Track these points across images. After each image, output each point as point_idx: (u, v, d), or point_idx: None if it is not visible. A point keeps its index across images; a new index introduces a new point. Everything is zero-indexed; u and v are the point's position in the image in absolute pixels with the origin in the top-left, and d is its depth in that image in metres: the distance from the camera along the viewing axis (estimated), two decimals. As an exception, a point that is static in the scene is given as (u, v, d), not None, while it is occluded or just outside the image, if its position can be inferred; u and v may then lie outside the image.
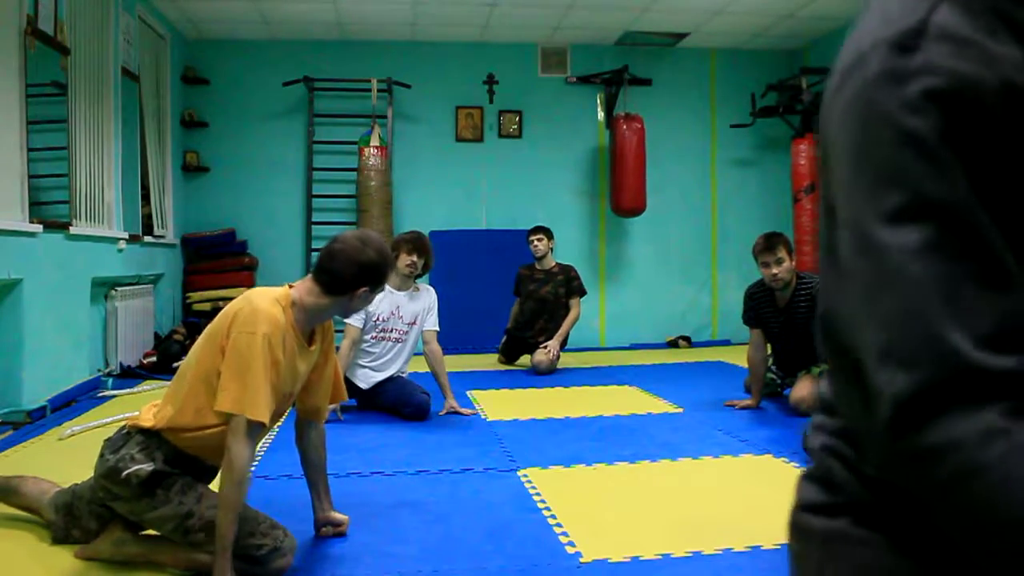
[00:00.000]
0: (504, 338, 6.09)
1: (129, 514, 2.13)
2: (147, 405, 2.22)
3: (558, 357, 5.66)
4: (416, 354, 4.33)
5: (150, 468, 2.07)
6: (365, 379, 4.18)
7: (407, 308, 4.22)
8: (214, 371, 2.02)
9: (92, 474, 2.21)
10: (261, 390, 1.96)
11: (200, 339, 2.13)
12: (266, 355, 1.97)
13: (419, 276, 4.30)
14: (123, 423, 2.24)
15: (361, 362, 4.18)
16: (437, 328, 4.28)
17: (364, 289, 2.17)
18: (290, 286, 2.19)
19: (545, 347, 5.61)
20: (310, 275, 2.19)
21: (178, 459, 2.12)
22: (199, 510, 2.05)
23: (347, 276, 2.14)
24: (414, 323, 4.23)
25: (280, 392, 2.05)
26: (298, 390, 2.23)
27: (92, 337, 5.03)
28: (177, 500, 2.06)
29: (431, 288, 4.40)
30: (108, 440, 2.19)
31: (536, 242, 5.85)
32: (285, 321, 2.05)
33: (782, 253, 4.05)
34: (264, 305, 2.03)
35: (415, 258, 4.18)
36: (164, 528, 2.09)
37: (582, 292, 5.89)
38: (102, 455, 2.15)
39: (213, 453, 2.15)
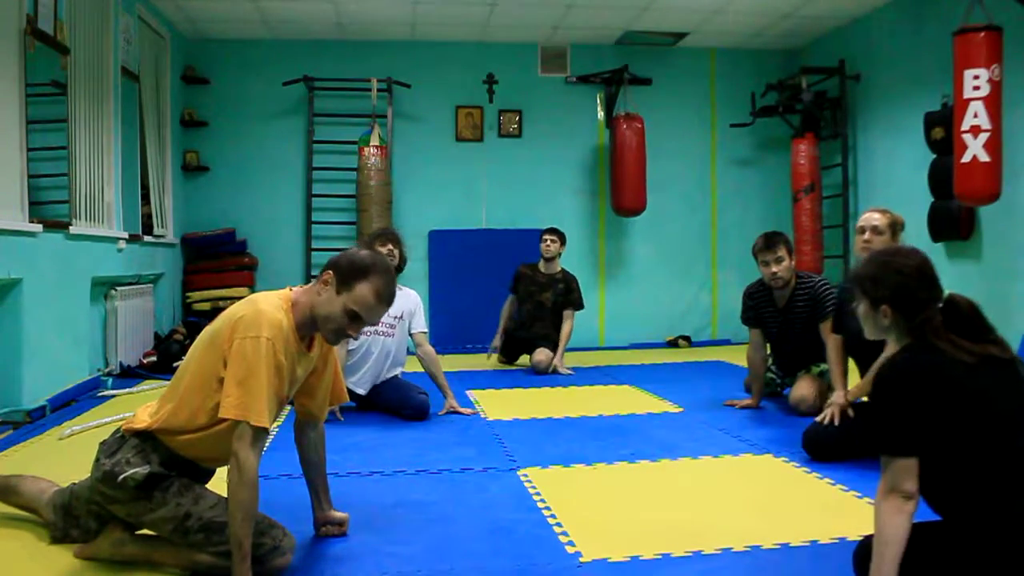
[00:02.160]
0: (503, 338, 6.01)
1: (127, 517, 2.13)
2: (142, 407, 2.22)
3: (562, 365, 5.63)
4: (409, 353, 4.34)
5: (146, 471, 2.06)
6: (362, 384, 4.17)
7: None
8: (215, 376, 2.01)
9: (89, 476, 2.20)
10: (264, 396, 1.95)
11: (200, 341, 2.12)
12: (270, 360, 1.97)
13: (397, 270, 4.23)
14: (118, 426, 2.23)
15: (352, 362, 4.14)
16: (425, 329, 4.29)
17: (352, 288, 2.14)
18: (291, 289, 2.18)
19: (543, 349, 5.61)
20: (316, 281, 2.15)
21: (174, 462, 2.11)
22: (197, 511, 2.05)
23: (340, 262, 2.12)
24: (400, 318, 4.19)
25: (280, 396, 2.05)
26: (293, 393, 2.22)
27: (92, 337, 5.03)
28: (175, 502, 2.06)
29: (412, 290, 4.37)
30: (103, 444, 2.18)
31: (549, 242, 5.77)
32: (287, 326, 2.05)
33: (782, 252, 4.05)
34: (268, 309, 2.03)
35: (391, 247, 4.14)
36: (163, 530, 2.08)
37: (579, 305, 5.81)
38: (97, 459, 2.14)
39: (206, 456, 2.15)
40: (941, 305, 1.78)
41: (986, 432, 1.67)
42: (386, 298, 2.11)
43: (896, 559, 1.64)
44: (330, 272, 2.10)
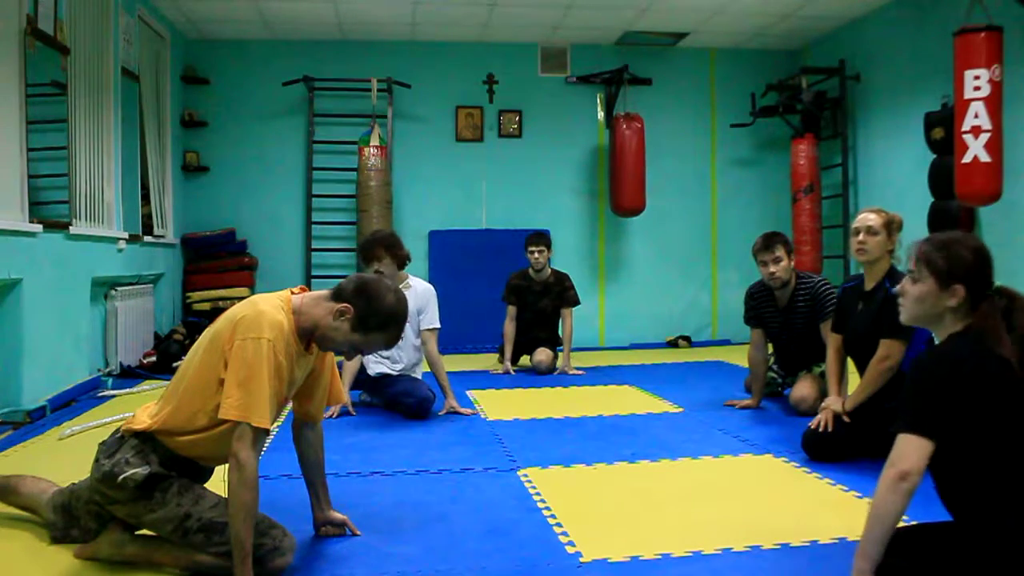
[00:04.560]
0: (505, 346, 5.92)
1: (127, 517, 2.13)
2: (141, 407, 2.22)
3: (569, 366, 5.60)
4: None
5: (146, 471, 2.06)
6: (372, 368, 4.24)
7: None
8: (215, 377, 2.02)
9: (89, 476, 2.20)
10: (265, 397, 1.95)
11: (200, 342, 2.12)
12: (271, 361, 1.97)
13: (400, 267, 4.17)
14: (118, 426, 2.23)
15: (369, 358, 4.23)
16: (436, 326, 4.24)
17: (379, 336, 2.14)
18: (292, 291, 2.18)
19: (543, 349, 5.60)
20: (331, 297, 2.13)
21: (173, 462, 2.11)
22: (197, 511, 2.05)
23: (358, 291, 2.11)
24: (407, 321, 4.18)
25: (280, 396, 2.05)
26: (292, 394, 2.22)
27: (92, 337, 5.03)
28: (175, 502, 2.06)
29: (428, 285, 4.32)
30: (102, 444, 2.18)
31: (537, 254, 5.54)
32: (288, 327, 2.05)
33: (780, 252, 4.05)
34: (268, 310, 2.03)
35: (375, 265, 4.04)
36: (163, 530, 2.08)
37: (576, 302, 5.70)
38: (97, 460, 2.14)
39: (207, 456, 2.15)
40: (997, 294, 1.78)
41: (1012, 432, 1.66)
42: (394, 343, 2.22)
43: (884, 537, 1.64)
44: (351, 308, 2.08)
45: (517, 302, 5.66)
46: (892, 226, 3.30)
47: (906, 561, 1.66)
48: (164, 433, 2.10)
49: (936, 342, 1.83)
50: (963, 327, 1.76)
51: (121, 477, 2.05)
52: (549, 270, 5.70)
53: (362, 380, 4.29)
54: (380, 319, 2.11)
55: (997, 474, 1.68)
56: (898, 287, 1.88)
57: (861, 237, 3.29)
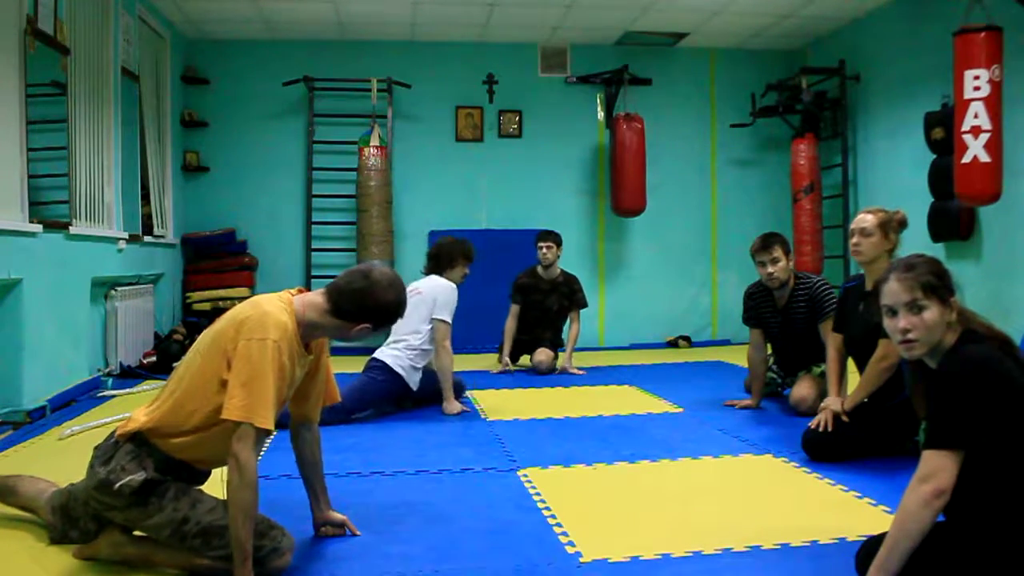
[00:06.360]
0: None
1: (125, 522, 2.12)
2: (136, 411, 2.20)
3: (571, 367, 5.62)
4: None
5: (142, 477, 2.05)
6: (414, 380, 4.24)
7: None
8: (216, 377, 2.01)
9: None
10: (269, 398, 1.95)
11: (200, 344, 2.11)
12: (275, 362, 1.97)
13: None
14: (112, 430, 2.22)
15: (422, 364, 4.25)
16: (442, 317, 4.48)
17: (367, 326, 2.15)
18: (291, 293, 2.18)
19: (544, 349, 5.61)
20: (321, 290, 2.17)
21: (169, 466, 2.10)
22: (195, 515, 2.04)
23: (361, 309, 2.14)
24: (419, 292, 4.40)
25: (281, 397, 2.05)
26: (291, 395, 2.22)
27: (92, 337, 5.03)
28: (172, 507, 2.05)
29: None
30: (97, 449, 2.16)
31: (545, 250, 5.59)
32: (292, 328, 2.05)
33: (778, 252, 4.05)
34: (273, 311, 2.03)
35: (467, 271, 4.46)
36: (161, 534, 2.07)
37: (584, 304, 5.75)
38: (92, 466, 2.13)
39: (203, 458, 2.14)
40: None
41: (1016, 431, 1.66)
42: (388, 324, 2.25)
43: (907, 554, 1.63)
44: (335, 302, 2.13)
45: (523, 300, 5.70)
46: (889, 226, 3.28)
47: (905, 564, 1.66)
48: (158, 434, 2.09)
49: (929, 363, 1.82)
50: (958, 336, 1.77)
51: (117, 484, 2.04)
52: (559, 270, 5.73)
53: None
54: (376, 312, 2.17)
55: (999, 475, 1.68)
56: (894, 327, 1.82)
57: (855, 239, 3.30)
